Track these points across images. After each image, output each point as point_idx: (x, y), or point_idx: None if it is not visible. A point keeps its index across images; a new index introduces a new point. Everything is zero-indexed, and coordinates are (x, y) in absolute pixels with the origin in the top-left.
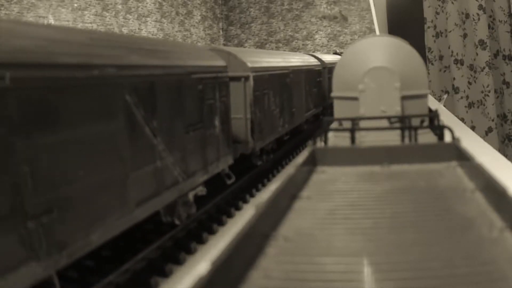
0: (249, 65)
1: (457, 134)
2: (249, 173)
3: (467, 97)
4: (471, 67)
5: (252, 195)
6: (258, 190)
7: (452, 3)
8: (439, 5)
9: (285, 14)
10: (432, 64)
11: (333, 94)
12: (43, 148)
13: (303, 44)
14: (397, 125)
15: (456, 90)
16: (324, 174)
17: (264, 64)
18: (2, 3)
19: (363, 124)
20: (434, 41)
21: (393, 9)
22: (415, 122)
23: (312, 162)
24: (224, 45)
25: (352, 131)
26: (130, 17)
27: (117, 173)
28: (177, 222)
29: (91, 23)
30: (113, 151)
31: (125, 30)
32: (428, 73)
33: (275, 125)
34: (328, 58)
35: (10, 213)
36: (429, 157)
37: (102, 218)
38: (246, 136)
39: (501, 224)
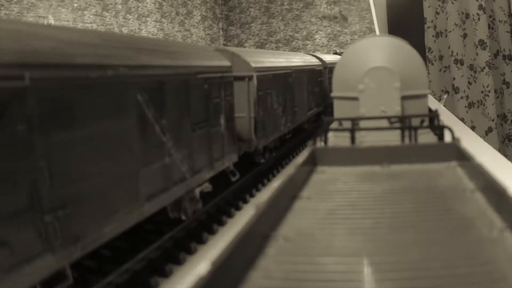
0: (253, 65)
1: (457, 134)
2: (252, 170)
3: (467, 97)
4: (471, 67)
5: (252, 195)
6: (262, 186)
7: (452, 3)
8: (439, 5)
9: (285, 14)
10: (432, 64)
11: (333, 94)
12: (60, 145)
13: (303, 44)
14: (397, 125)
15: (456, 90)
16: (324, 174)
17: (267, 64)
18: (2, 3)
19: (363, 124)
20: (434, 41)
21: (393, 9)
22: (415, 122)
23: (312, 162)
24: (224, 45)
25: (352, 131)
26: (130, 17)
27: (128, 169)
28: (183, 217)
29: (91, 23)
30: (125, 148)
31: (125, 30)
32: (428, 73)
33: (277, 124)
34: (329, 58)
35: (28, 207)
36: (429, 157)
37: (114, 212)
38: (249, 134)
39: (501, 224)
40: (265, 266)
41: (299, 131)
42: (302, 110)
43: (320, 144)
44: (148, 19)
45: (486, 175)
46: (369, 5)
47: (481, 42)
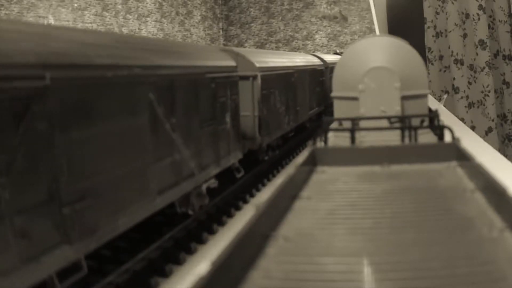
0: (257, 65)
1: (457, 134)
2: (255, 168)
3: (467, 97)
4: (471, 67)
5: (252, 195)
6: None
7: (452, 3)
8: (439, 5)
9: (285, 14)
10: (432, 64)
11: (333, 94)
12: (78, 141)
13: (303, 44)
14: (397, 125)
15: (456, 90)
16: (324, 174)
17: (271, 64)
18: (2, 3)
19: (363, 124)
20: (434, 41)
21: (393, 9)
22: (415, 122)
23: (312, 162)
24: (224, 45)
25: (352, 131)
26: (130, 17)
27: (141, 165)
28: (190, 212)
29: (91, 23)
30: (137, 144)
31: (125, 30)
32: (428, 73)
33: (280, 122)
34: (330, 58)
35: (48, 200)
36: (429, 157)
37: (127, 205)
38: (254, 132)
39: (501, 224)
40: (265, 266)
41: (301, 130)
42: (304, 109)
43: (320, 144)
44: (148, 19)
45: (486, 175)
46: (369, 5)
47: (481, 42)
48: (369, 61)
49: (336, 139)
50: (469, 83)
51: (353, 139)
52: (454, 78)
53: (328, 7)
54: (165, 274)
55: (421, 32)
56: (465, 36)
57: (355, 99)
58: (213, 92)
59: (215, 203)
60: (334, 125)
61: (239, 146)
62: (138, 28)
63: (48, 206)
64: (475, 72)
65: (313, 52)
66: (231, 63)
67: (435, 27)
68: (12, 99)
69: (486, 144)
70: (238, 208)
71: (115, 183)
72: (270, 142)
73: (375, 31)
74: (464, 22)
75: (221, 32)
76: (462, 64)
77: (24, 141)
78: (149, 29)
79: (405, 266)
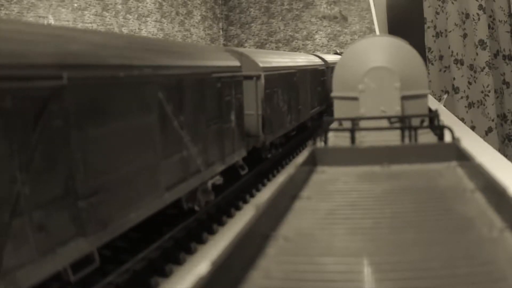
0: (261, 65)
1: (457, 134)
2: (258, 165)
3: (467, 97)
4: (471, 67)
5: (252, 195)
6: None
7: (452, 3)
8: (439, 5)
9: (285, 14)
10: (432, 64)
11: (333, 94)
12: (92, 138)
13: (303, 44)
14: (397, 125)
15: (456, 90)
16: (324, 174)
17: (274, 64)
18: (2, 3)
19: (363, 124)
20: (434, 41)
21: (393, 9)
22: (415, 122)
23: (312, 162)
24: (224, 45)
25: (352, 131)
26: (130, 17)
27: (151, 161)
28: (196, 208)
29: (91, 23)
30: (148, 142)
31: (125, 30)
32: (428, 73)
33: (283, 121)
34: (331, 58)
35: (65, 194)
36: (429, 157)
37: (138, 200)
38: (257, 131)
39: (501, 224)
40: (265, 266)
41: (303, 129)
42: (306, 108)
43: (320, 144)
44: (148, 19)
45: (486, 175)
46: (369, 5)
47: (481, 42)
48: (369, 61)
49: (336, 139)
50: (469, 83)
51: (353, 139)
52: (454, 78)
53: (328, 7)
54: (165, 274)
55: (421, 32)
56: (465, 36)
57: (355, 99)
58: (218, 91)
59: (219, 200)
60: (334, 125)
61: (243, 144)
62: (138, 28)
63: (65, 201)
64: (475, 72)
65: (313, 52)
66: (236, 63)
67: (435, 27)
68: (31, 98)
69: (486, 144)
70: (238, 208)
71: (126, 179)
72: (273, 140)
73: (375, 31)
74: (464, 22)
75: (221, 32)
76: (462, 64)
77: (42, 138)
78: (149, 29)
79: (405, 266)
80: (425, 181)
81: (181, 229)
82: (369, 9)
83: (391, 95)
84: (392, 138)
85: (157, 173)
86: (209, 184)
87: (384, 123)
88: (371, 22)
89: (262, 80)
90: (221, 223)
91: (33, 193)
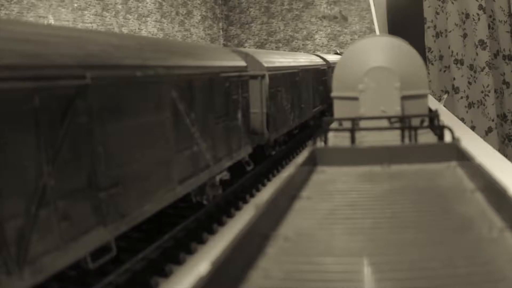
0: (265, 65)
1: (457, 134)
2: (263, 162)
3: (467, 97)
4: (471, 67)
5: (252, 195)
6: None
7: (452, 3)
8: (439, 5)
9: (285, 14)
10: (432, 64)
11: (333, 94)
12: (112, 133)
13: (303, 44)
14: (397, 125)
15: (456, 90)
16: (324, 174)
17: (278, 64)
18: (2, 3)
19: (363, 124)
20: (434, 41)
21: (393, 9)
22: (415, 122)
23: (312, 162)
24: (224, 45)
25: (352, 131)
26: (130, 17)
27: (164, 155)
28: (205, 202)
29: (91, 23)
30: (162, 137)
31: (125, 30)
32: (428, 73)
33: (286, 119)
34: (332, 58)
35: (87, 185)
36: (429, 157)
37: (153, 192)
38: (262, 128)
39: (501, 224)
40: (265, 266)
41: (305, 128)
42: (308, 107)
43: (320, 144)
44: (148, 19)
45: (486, 175)
46: (369, 5)
47: (481, 42)
48: (369, 61)
49: (336, 139)
50: (469, 83)
51: (353, 139)
52: (454, 78)
53: (328, 7)
54: (165, 274)
55: (421, 32)
56: (465, 36)
57: (355, 99)
58: (226, 90)
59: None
60: (334, 125)
61: (249, 141)
62: (138, 28)
63: (87, 192)
64: (475, 72)
65: (313, 52)
66: (242, 63)
67: (435, 27)
68: (58, 97)
69: (486, 144)
70: (238, 208)
71: (142, 172)
72: (277, 138)
73: (375, 31)
74: (464, 22)
75: (221, 32)
76: (462, 64)
77: (68, 133)
78: (149, 29)
79: (405, 266)
80: (425, 181)
81: (181, 229)
82: (369, 9)
83: (391, 95)
84: (392, 138)
85: (170, 167)
86: (217, 179)
87: (384, 123)
88: (371, 22)
89: (267, 80)
90: (221, 223)
91: (59, 184)
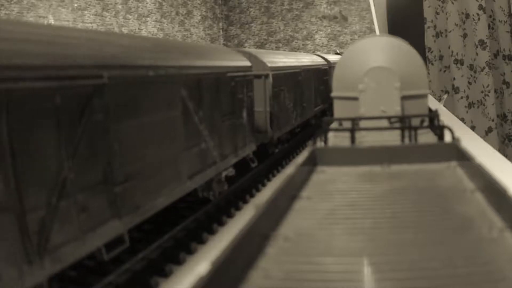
0: (269, 65)
1: (457, 134)
2: (266, 159)
3: (467, 97)
4: (471, 67)
5: (252, 195)
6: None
7: (452, 3)
8: (439, 5)
9: (285, 14)
10: (432, 64)
11: (333, 94)
12: (127, 130)
13: (303, 44)
14: (397, 125)
15: (456, 90)
16: (324, 174)
17: (281, 64)
18: (2, 3)
19: (363, 124)
20: (434, 41)
21: (393, 9)
22: (415, 122)
23: (312, 162)
24: (224, 45)
25: (352, 131)
26: (130, 17)
27: (175, 152)
28: (211, 198)
29: (91, 23)
30: (172, 134)
31: (125, 30)
32: (428, 73)
33: (289, 118)
34: (333, 58)
35: (103, 179)
36: (429, 157)
37: (164, 186)
38: (266, 127)
39: (501, 224)
40: (265, 266)
41: (306, 126)
42: (310, 106)
43: (320, 144)
44: (148, 19)
45: (486, 175)
46: (369, 5)
47: (481, 42)
48: (369, 61)
49: (336, 139)
50: (469, 83)
51: (353, 139)
52: (454, 78)
53: (328, 7)
54: (165, 274)
55: (421, 32)
56: (465, 36)
57: (355, 99)
58: (232, 89)
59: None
60: (334, 125)
61: (253, 139)
62: (138, 28)
63: (103, 186)
64: (475, 72)
65: (313, 52)
66: (247, 63)
67: (435, 27)
68: (77, 95)
69: (486, 144)
70: (238, 208)
71: (154, 167)
72: (279, 136)
73: (375, 31)
74: (464, 22)
75: (221, 32)
76: (462, 64)
77: (86, 130)
78: (149, 29)
79: (405, 266)
80: (425, 181)
81: (181, 229)
82: (369, 9)
83: (391, 95)
84: (392, 138)
85: (180, 163)
86: (223, 175)
87: (384, 123)
88: (371, 22)
89: (270, 79)
90: (221, 223)
91: (77, 178)
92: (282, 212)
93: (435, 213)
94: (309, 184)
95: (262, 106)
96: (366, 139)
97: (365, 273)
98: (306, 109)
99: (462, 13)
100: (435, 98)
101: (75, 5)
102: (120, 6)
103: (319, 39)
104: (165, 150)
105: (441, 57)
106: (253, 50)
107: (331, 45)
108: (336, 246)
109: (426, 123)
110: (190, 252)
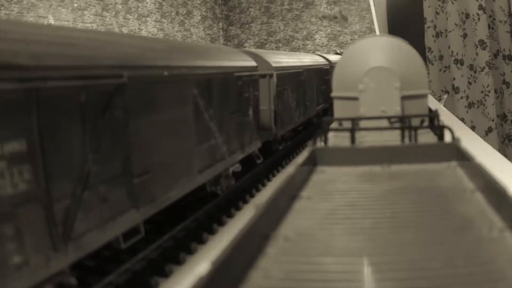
0: (273, 65)
1: (457, 134)
2: (270, 156)
3: (467, 97)
4: (471, 67)
5: (252, 195)
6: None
7: (452, 3)
8: (439, 5)
9: (285, 14)
10: (432, 64)
11: (333, 94)
12: (144, 126)
13: (303, 44)
14: (397, 125)
15: (456, 90)
16: (324, 174)
17: (284, 64)
18: (2, 3)
19: (363, 124)
20: (434, 41)
21: (393, 9)
22: (415, 122)
23: (312, 162)
24: (224, 45)
25: (352, 131)
26: (130, 17)
27: (187, 147)
28: (219, 192)
29: (91, 23)
30: (185, 130)
31: (125, 30)
32: (428, 73)
33: (292, 116)
34: (334, 58)
35: (123, 172)
36: (429, 157)
37: (177, 179)
38: (270, 125)
39: (501, 224)
40: (265, 266)
41: (309, 125)
42: (312, 105)
43: (320, 144)
44: (148, 19)
45: (486, 175)
46: (369, 5)
47: (481, 42)
48: (369, 61)
49: (336, 139)
50: (469, 83)
51: (353, 139)
52: (454, 78)
53: (328, 7)
54: (165, 274)
55: (421, 32)
56: (465, 36)
57: (355, 99)
58: (239, 88)
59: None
60: (334, 125)
61: (259, 136)
62: (138, 28)
63: (123, 178)
64: (475, 72)
65: (313, 52)
66: (253, 63)
67: (435, 27)
68: (100, 93)
69: (486, 144)
70: (238, 208)
71: (169, 161)
72: (283, 134)
73: (375, 31)
74: (464, 22)
75: (221, 32)
76: (462, 64)
77: (107, 126)
78: (149, 29)
79: (405, 266)
80: (425, 181)
81: (181, 229)
82: (369, 9)
83: (391, 95)
84: (392, 138)
85: (192, 158)
86: (231, 170)
87: (384, 123)
88: (371, 22)
89: (275, 79)
90: (221, 223)
91: (100, 170)
92: (282, 212)
93: (435, 213)
94: (309, 184)
95: (267, 105)
96: (366, 139)
97: (365, 273)
98: (308, 107)
99: (462, 13)
100: (435, 98)
101: (75, 5)
102: (120, 6)
103: (319, 39)
104: (179, 145)
105: (441, 57)
106: (258, 51)
107: (331, 45)
108: (336, 246)
109: (426, 123)
110: (190, 252)
